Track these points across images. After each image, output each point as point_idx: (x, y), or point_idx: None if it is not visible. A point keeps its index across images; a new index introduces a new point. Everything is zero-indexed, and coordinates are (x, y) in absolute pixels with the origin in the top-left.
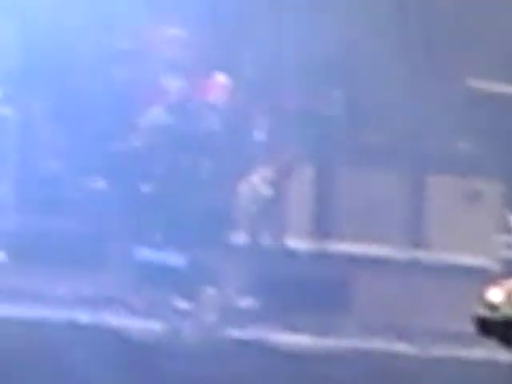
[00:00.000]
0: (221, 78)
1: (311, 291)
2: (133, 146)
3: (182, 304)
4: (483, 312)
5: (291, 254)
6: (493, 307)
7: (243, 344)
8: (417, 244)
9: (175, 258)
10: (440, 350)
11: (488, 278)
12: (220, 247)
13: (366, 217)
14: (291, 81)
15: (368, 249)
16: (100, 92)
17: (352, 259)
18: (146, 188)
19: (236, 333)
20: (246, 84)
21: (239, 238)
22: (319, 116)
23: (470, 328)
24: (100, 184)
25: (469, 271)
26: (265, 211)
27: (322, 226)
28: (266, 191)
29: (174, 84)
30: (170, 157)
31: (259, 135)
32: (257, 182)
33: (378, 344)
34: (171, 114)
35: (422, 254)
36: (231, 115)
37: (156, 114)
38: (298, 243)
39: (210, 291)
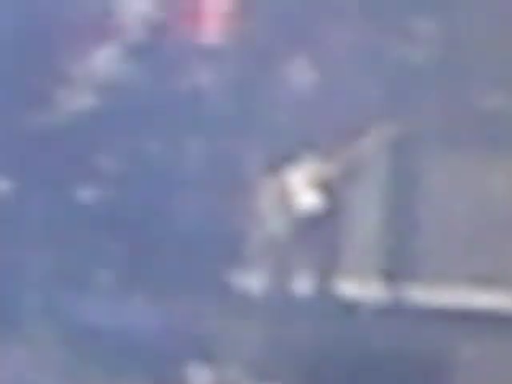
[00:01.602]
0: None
1: (382, 370)
2: (65, 116)
3: None
4: None
5: (349, 309)
6: None
7: None
8: None
9: None
10: None
11: None
12: (221, 297)
13: (471, 243)
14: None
15: (478, 297)
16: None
17: (452, 315)
18: (85, 195)
19: None
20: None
21: (254, 281)
22: (396, 64)
23: None
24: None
25: None
26: (304, 238)
27: (399, 262)
28: (311, 202)
29: (135, 9)
30: (131, 136)
31: (290, 99)
32: (291, 187)
33: None
34: (132, 61)
35: None
36: (239, 64)
37: (106, 60)
38: (360, 290)
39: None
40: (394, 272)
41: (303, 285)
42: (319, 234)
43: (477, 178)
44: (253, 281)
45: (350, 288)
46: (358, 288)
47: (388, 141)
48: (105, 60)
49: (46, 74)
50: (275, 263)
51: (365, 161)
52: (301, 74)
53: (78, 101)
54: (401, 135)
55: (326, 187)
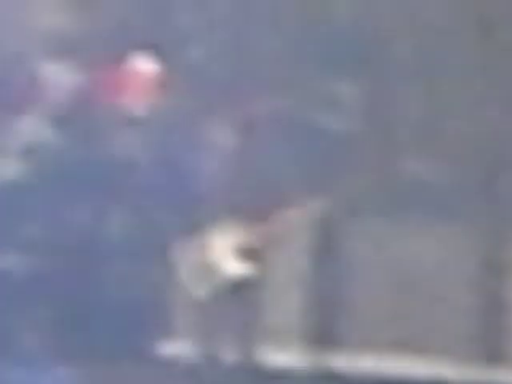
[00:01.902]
0: (146, 64)
1: None
2: None
3: None
4: None
5: (273, 376)
6: None
7: None
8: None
9: None
10: None
11: None
12: (142, 365)
13: (395, 310)
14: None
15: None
16: None
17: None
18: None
19: None
20: (193, 75)
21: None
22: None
23: None
24: None
25: None
26: (230, 303)
27: (323, 329)
28: (237, 266)
29: (57, 74)
30: (55, 204)
31: (214, 164)
32: (216, 253)
33: None
34: (56, 130)
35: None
36: (166, 131)
37: (31, 129)
38: (284, 357)
39: None
40: (318, 339)
41: (228, 352)
42: (243, 300)
43: (400, 245)
44: (178, 348)
45: (273, 355)
46: (282, 355)
47: (314, 210)
48: (29, 129)
49: None
50: (200, 330)
51: (291, 230)
52: (224, 140)
53: (1, 169)
54: (325, 204)
55: (251, 254)
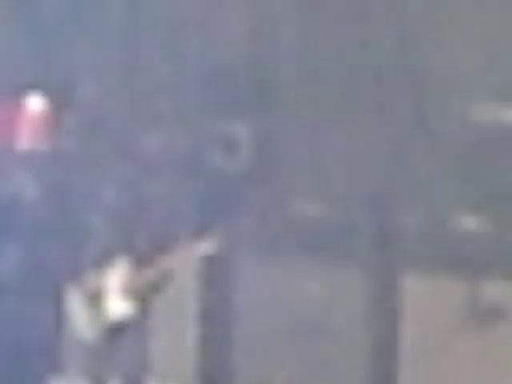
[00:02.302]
0: (34, 104)
1: None
2: None
3: None
4: None
5: None
6: None
7: None
8: None
9: None
10: None
11: None
12: None
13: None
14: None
15: None
16: None
17: None
18: None
19: None
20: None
21: None
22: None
23: None
24: None
25: None
26: (114, 343)
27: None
28: (121, 310)
29: None
30: None
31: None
32: (102, 292)
33: None
34: None
35: None
36: (54, 169)
37: None
38: None
39: None
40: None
41: None
42: (129, 339)
43: (291, 285)
44: None
45: None
46: None
47: (202, 251)
48: None
49: None
50: (88, 368)
51: (177, 271)
52: (116, 177)
53: None
54: (215, 245)
55: (137, 293)
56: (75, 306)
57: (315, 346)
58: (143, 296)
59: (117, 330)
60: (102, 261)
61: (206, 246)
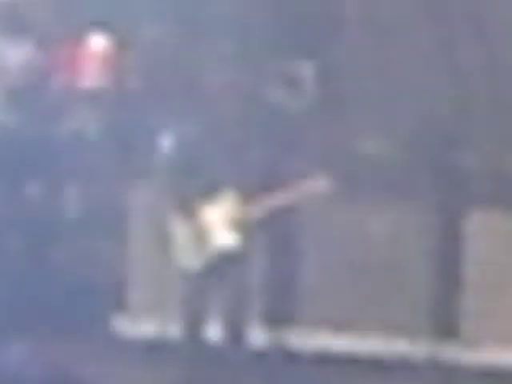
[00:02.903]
0: (98, 42)
1: None
2: None
3: None
4: None
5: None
6: None
7: None
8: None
9: None
10: None
11: None
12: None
13: (350, 289)
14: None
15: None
16: None
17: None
18: None
19: None
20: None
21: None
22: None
23: None
24: None
25: None
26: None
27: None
28: (226, 241)
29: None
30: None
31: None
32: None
33: None
34: (12, 106)
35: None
36: (121, 111)
37: None
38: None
39: None
40: (274, 316)
41: (214, 330)
42: (231, 272)
43: (355, 225)
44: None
45: (259, 335)
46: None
47: (315, 190)
48: None
49: None
50: (185, 305)
51: (284, 210)
52: (181, 114)
53: None
54: (327, 184)
55: (243, 227)
56: (182, 237)
57: (378, 283)
58: (248, 230)
59: (222, 262)
60: (207, 194)
61: (318, 185)
